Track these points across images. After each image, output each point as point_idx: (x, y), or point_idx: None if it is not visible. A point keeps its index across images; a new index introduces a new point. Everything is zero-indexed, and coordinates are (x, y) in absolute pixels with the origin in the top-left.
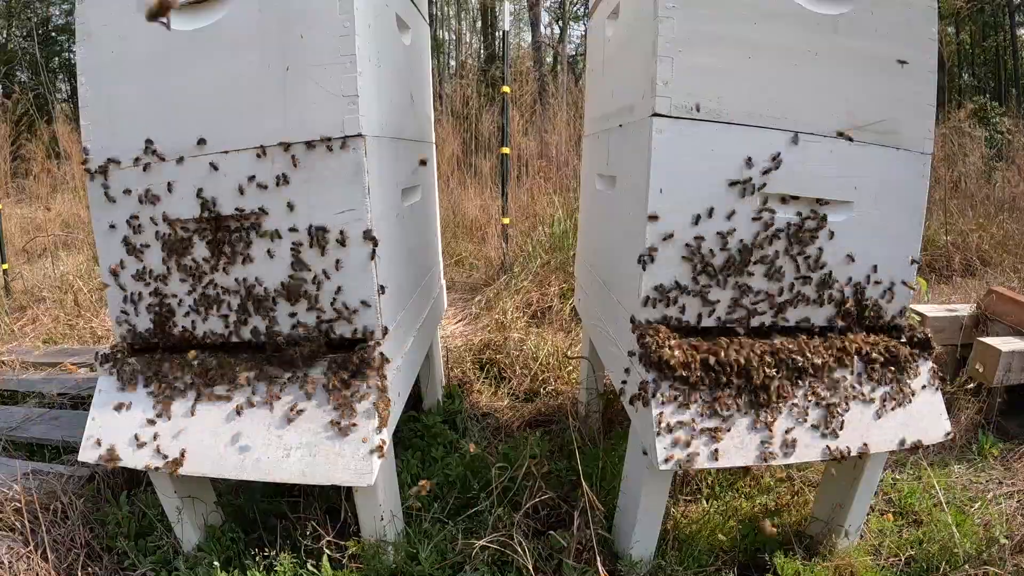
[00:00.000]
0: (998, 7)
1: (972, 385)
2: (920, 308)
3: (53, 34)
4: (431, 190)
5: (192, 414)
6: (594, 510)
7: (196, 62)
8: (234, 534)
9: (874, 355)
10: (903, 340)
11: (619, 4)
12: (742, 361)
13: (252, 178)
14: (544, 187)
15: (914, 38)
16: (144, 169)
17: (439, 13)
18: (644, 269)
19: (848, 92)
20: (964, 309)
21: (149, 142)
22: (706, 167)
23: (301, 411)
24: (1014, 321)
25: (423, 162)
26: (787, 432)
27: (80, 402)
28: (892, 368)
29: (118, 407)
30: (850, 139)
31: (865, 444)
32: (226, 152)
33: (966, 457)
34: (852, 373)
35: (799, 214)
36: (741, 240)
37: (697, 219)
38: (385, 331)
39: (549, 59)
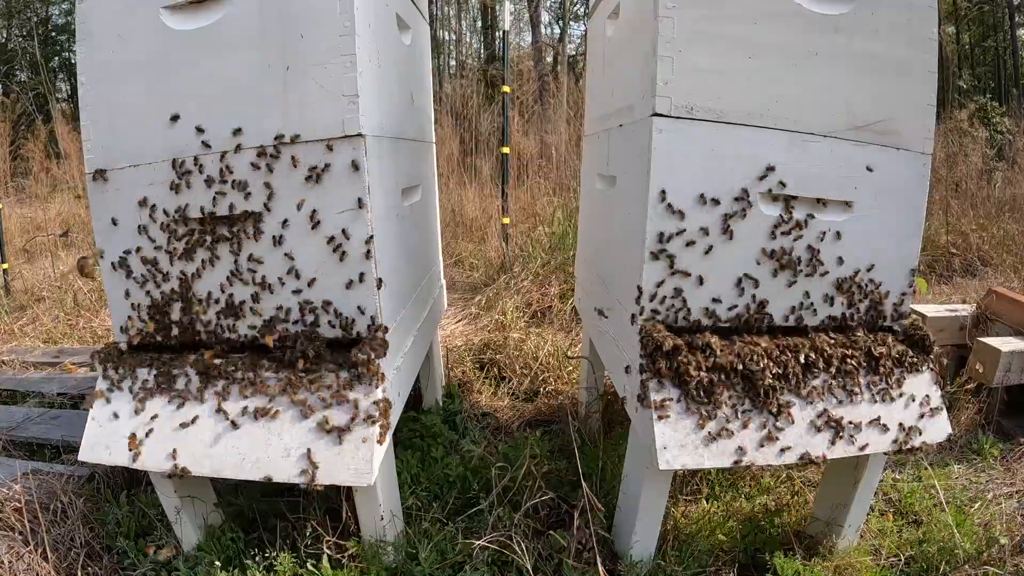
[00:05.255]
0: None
1: (972, 385)
2: (920, 308)
3: (53, 34)
4: (431, 190)
5: (192, 414)
6: (594, 510)
7: (196, 62)
8: (234, 534)
9: (875, 355)
10: (903, 340)
11: (619, 4)
12: (743, 360)
13: (252, 178)
14: (544, 187)
15: (914, 38)
16: (143, 169)
17: (439, 13)
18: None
19: (848, 92)
20: (964, 309)
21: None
22: (706, 167)
23: (301, 411)
24: (1014, 321)
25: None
26: (788, 432)
27: (80, 402)
28: (893, 368)
29: (118, 406)
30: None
31: (866, 443)
32: (226, 151)
33: (966, 457)
34: (853, 373)
35: (799, 214)
36: (741, 240)
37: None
38: (385, 330)
39: (549, 59)
